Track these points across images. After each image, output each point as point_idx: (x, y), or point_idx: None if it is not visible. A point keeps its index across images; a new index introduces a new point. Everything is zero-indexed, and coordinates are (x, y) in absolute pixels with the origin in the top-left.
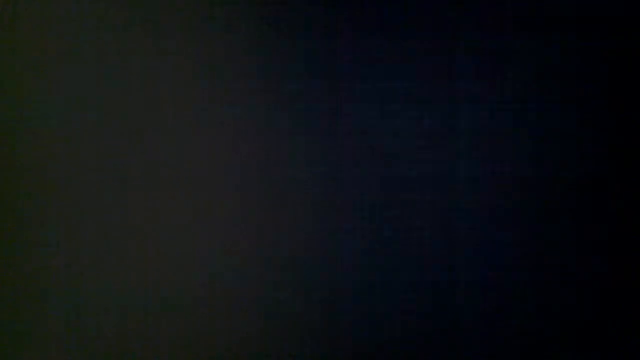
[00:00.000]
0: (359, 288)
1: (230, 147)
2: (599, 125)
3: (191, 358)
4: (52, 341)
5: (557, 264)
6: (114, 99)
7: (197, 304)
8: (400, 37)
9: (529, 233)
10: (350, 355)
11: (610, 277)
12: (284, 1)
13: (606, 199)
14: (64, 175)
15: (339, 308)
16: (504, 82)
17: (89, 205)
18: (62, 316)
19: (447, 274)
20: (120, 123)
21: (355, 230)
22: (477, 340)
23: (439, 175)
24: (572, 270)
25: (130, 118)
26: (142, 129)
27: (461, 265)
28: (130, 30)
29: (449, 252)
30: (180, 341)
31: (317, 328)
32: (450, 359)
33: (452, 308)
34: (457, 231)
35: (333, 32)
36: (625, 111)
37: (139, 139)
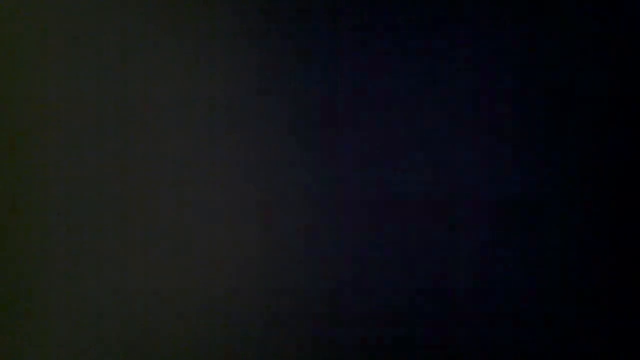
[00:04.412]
0: (359, 289)
1: (230, 147)
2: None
3: (191, 357)
4: (51, 341)
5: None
6: (113, 98)
7: (197, 304)
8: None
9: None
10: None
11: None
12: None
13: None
14: (63, 175)
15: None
16: (502, 77)
17: (89, 205)
18: (62, 316)
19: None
20: (119, 123)
21: (354, 228)
22: None
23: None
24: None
25: (129, 118)
26: (141, 129)
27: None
28: (130, 29)
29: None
30: (180, 342)
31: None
32: None
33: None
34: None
35: (333, 31)
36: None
37: (138, 138)
